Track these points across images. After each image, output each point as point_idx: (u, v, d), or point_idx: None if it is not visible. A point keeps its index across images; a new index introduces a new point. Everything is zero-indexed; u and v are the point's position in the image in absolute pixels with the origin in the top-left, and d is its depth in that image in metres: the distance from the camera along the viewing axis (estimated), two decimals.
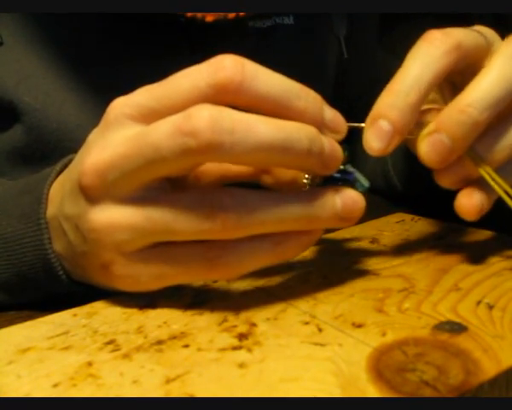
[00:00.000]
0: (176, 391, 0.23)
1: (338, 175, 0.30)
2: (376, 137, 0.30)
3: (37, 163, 0.42)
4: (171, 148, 0.25)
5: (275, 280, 0.33)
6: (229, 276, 0.29)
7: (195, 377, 0.23)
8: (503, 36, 0.33)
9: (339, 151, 0.28)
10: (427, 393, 0.22)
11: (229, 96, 0.26)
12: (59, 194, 0.30)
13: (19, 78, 0.43)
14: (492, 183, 0.31)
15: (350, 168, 0.31)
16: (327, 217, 0.28)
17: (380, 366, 0.23)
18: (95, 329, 0.28)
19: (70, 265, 0.31)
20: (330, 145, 0.27)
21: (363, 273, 0.34)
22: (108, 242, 0.27)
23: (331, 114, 0.28)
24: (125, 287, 0.29)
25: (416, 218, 0.44)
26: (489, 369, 0.23)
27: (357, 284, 0.32)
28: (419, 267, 0.34)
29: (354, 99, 0.62)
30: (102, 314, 0.30)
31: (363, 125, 0.31)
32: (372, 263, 0.35)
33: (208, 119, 0.24)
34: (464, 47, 0.31)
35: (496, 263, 0.34)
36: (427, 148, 0.30)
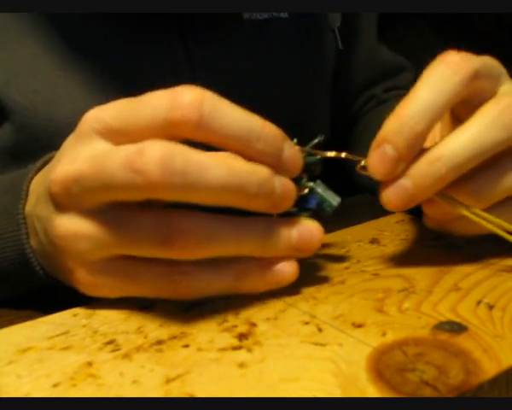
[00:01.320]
0: (176, 391, 0.23)
1: (294, 210, 0.30)
2: (380, 161, 0.29)
3: (27, 162, 0.42)
4: (122, 179, 0.25)
5: None
6: (189, 298, 0.29)
7: (195, 377, 0.23)
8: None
9: (291, 192, 0.28)
10: (427, 393, 0.22)
11: (186, 134, 0.26)
12: (35, 193, 0.31)
13: (8, 76, 0.43)
14: (478, 219, 0.31)
15: (318, 189, 0.31)
16: (282, 248, 0.29)
17: (380, 365, 0.23)
18: (95, 329, 0.28)
19: (43, 261, 0.31)
20: (282, 187, 0.28)
21: (363, 273, 0.34)
22: (71, 250, 0.28)
23: (289, 153, 0.28)
24: (89, 292, 0.30)
25: (416, 218, 0.44)
26: (489, 369, 0.23)
27: (357, 284, 0.32)
28: (419, 267, 0.34)
29: (352, 96, 0.63)
30: (102, 314, 0.30)
31: (343, 155, 0.32)
32: (372, 263, 0.35)
33: (159, 158, 0.24)
34: (480, 78, 0.30)
35: (496, 263, 0.34)
36: (390, 192, 0.30)
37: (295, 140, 0.30)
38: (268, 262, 0.29)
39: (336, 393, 0.22)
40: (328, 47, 0.57)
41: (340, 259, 0.37)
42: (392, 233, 0.41)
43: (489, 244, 0.36)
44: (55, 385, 0.23)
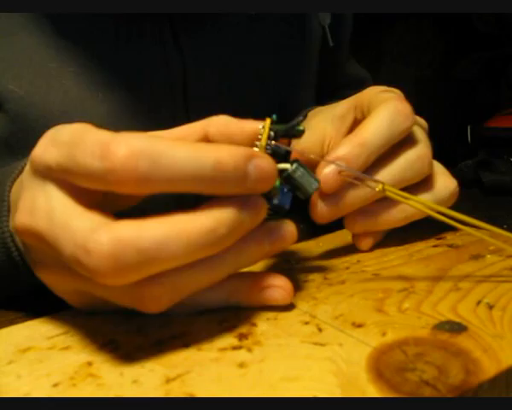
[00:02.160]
0: (176, 391, 0.23)
1: (270, 213, 0.28)
2: (331, 171, 0.34)
3: (21, 152, 0.42)
4: (75, 267, 0.24)
5: None
6: (181, 312, 0.29)
7: (195, 377, 0.23)
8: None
9: (262, 212, 0.27)
10: (427, 392, 0.22)
11: (128, 192, 0.24)
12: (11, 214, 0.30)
13: (3, 66, 0.43)
14: (401, 198, 0.33)
15: (294, 175, 0.30)
16: (256, 260, 0.28)
17: (380, 365, 0.23)
18: (95, 329, 0.28)
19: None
20: (255, 216, 0.26)
21: (363, 273, 0.34)
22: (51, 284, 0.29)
23: (255, 174, 0.25)
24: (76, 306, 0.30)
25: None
26: (489, 369, 0.23)
27: (357, 284, 0.32)
28: (419, 267, 0.34)
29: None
30: (102, 314, 0.30)
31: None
32: (372, 263, 0.35)
33: (108, 257, 0.22)
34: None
35: (496, 263, 0.34)
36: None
37: (274, 116, 0.30)
38: (261, 285, 0.29)
39: (336, 393, 0.22)
40: (317, 44, 0.59)
41: (340, 259, 0.37)
42: (392, 233, 0.40)
43: (489, 244, 0.36)
44: (55, 385, 0.23)
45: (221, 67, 0.50)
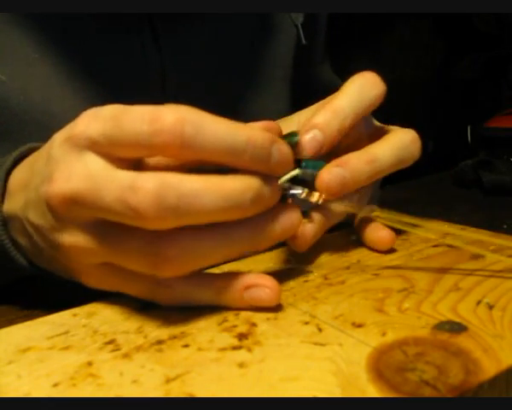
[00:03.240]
0: (176, 391, 0.23)
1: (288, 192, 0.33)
2: (309, 142, 0.34)
3: (2, 138, 0.45)
4: (117, 211, 0.26)
5: None
6: (170, 305, 0.30)
7: (195, 377, 0.23)
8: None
9: (277, 195, 0.30)
10: (427, 392, 0.22)
11: (171, 155, 0.27)
12: (22, 194, 0.31)
13: None
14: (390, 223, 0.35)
15: (306, 173, 0.34)
16: (266, 244, 0.30)
17: (380, 365, 0.23)
18: (95, 329, 0.28)
19: (35, 257, 0.32)
20: (271, 191, 0.29)
21: (363, 273, 0.34)
22: (72, 257, 0.29)
23: (277, 157, 0.28)
24: (89, 285, 0.31)
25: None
26: (489, 369, 0.23)
27: (357, 284, 0.32)
28: (419, 267, 0.34)
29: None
30: (102, 314, 0.30)
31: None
32: (372, 263, 0.35)
33: (152, 196, 0.25)
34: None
35: (496, 263, 0.34)
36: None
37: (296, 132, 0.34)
38: (248, 283, 0.29)
39: (336, 393, 0.22)
40: (290, 41, 0.60)
41: (340, 259, 0.37)
42: None
43: (489, 244, 0.36)
44: (55, 385, 0.23)
45: (197, 58, 0.52)
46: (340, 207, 0.35)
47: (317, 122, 0.35)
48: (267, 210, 0.29)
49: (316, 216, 0.35)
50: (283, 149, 0.29)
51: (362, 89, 0.36)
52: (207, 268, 0.29)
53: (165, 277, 0.28)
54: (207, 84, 0.53)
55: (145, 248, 0.27)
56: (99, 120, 0.27)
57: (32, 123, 0.45)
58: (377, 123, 0.40)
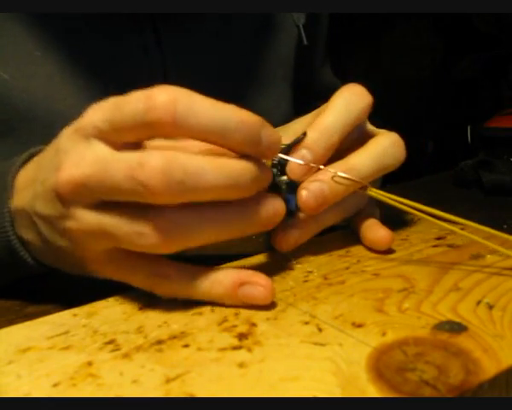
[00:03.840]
0: (176, 391, 0.23)
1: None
2: (298, 167, 0.34)
3: (5, 135, 0.46)
4: (126, 188, 0.27)
5: (275, 280, 0.33)
6: (167, 297, 0.30)
7: (195, 377, 0.23)
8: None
9: (270, 177, 0.31)
10: (427, 392, 0.22)
11: (164, 133, 0.28)
12: (29, 189, 0.31)
13: None
14: (383, 198, 0.34)
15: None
16: (252, 227, 0.30)
17: (380, 365, 0.23)
18: (95, 329, 0.28)
19: (41, 253, 0.33)
20: (267, 176, 0.30)
21: (363, 273, 0.34)
22: (81, 242, 0.30)
23: (266, 141, 0.29)
24: (97, 275, 0.31)
25: (416, 218, 0.44)
26: (489, 369, 0.23)
27: (357, 284, 0.32)
28: (419, 267, 0.34)
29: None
30: (102, 314, 0.30)
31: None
32: (372, 263, 0.35)
33: (159, 170, 0.26)
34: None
35: (496, 263, 0.34)
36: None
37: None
38: (242, 280, 0.30)
39: (336, 393, 0.22)
40: (291, 41, 0.61)
41: (340, 259, 0.37)
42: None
43: (489, 244, 0.36)
44: (55, 385, 0.23)
45: (199, 57, 0.53)
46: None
47: (305, 142, 0.35)
48: (253, 196, 0.30)
49: (302, 218, 0.36)
50: (270, 135, 0.29)
51: (348, 103, 0.36)
52: (194, 248, 0.29)
53: (153, 251, 0.28)
54: (209, 85, 0.52)
55: (137, 219, 0.28)
56: (102, 108, 0.28)
57: (35, 121, 0.46)
58: (368, 126, 0.39)
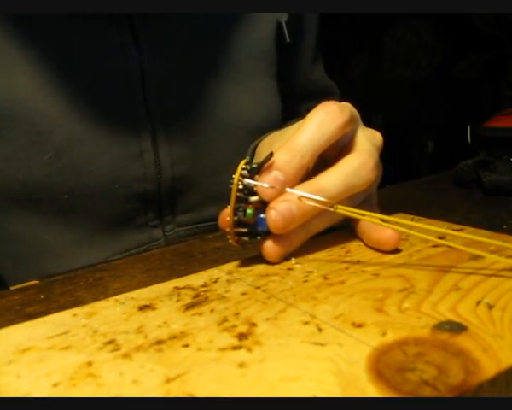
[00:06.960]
0: (176, 391, 0.23)
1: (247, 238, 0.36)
2: (270, 184, 0.35)
3: None
4: None
5: (275, 280, 0.33)
6: None
7: (195, 377, 0.24)
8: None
9: None
10: (427, 392, 0.22)
11: None
12: None
13: None
14: (352, 214, 0.36)
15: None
16: None
17: (380, 365, 0.23)
18: (95, 329, 0.28)
19: None
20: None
21: (363, 273, 0.34)
22: None
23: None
24: None
25: (416, 218, 0.44)
26: (489, 369, 0.23)
27: (357, 284, 0.32)
28: (419, 267, 0.34)
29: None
30: (102, 314, 0.30)
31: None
32: (372, 263, 0.35)
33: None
34: (348, 124, 0.38)
35: (496, 263, 0.34)
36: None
37: (247, 158, 0.34)
38: None
39: (336, 393, 0.22)
40: (274, 39, 0.61)
41: (340, 259, 0.37)
42: None
43: (489, 244, 0.36)
44: (55, 385, 0.23)
45: (174, 53, 0.54)
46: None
47: (276, 164, 0.36)
48: None
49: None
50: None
51: (321, 124, 0.37)
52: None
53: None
54: (188, 82, 0.54)
55: None
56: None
57: (18, 118, 0.47)
58: (358, 134, 0.40)
